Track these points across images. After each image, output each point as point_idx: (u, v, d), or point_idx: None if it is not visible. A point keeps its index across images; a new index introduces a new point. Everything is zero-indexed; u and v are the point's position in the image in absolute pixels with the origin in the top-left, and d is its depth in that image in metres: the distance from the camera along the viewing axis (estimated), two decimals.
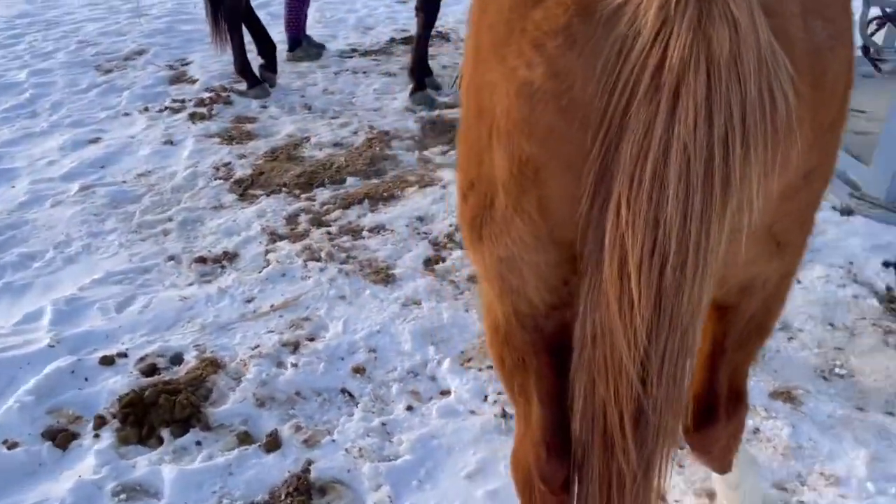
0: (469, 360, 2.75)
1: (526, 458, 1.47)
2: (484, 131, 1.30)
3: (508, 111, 1.22)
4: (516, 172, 1.26)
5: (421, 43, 5.19)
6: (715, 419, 1.55)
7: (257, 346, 2.81)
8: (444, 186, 3.97)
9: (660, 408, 1.27)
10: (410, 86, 5.23)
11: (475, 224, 1.41)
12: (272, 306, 3.06)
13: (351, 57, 6.37)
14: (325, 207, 3.84)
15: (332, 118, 5.04)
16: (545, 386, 1.43)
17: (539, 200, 1.27)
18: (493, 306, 1.48)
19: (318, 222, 3.69)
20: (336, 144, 4.62)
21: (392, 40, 6.84)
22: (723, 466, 1.75)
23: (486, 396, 2.56)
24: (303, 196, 3.98)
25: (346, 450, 2.35)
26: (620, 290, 1.17)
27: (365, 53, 6.47)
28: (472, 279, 3.20)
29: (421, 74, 5.22)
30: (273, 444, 2.38)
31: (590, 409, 1.31)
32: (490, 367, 2.69)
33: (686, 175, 1.07)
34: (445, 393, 2.60)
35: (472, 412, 2.50)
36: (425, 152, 4.46)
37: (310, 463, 2.31)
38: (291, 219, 3.74)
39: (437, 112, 5.02)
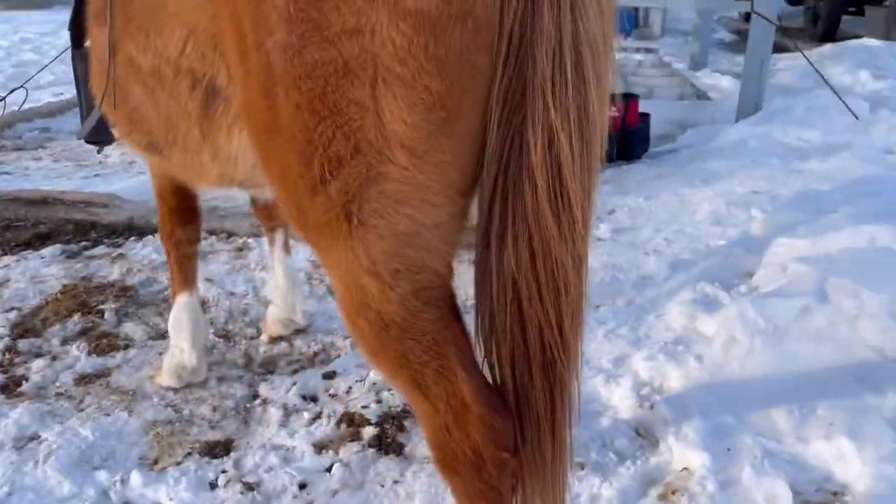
0: (156, 461, 2.19)
1: (469, 442, 1.32)
2: (359, 89, 1.11)
3: (407, 50, 1.07)
4: (421, 121, 1.12)
5: None
6: None
7: None
8: None
9: (587, 281, 1.31)
10: None
11: (349, 211, 1.20)
12: None
13: None
14: None
15: None
16: (467, 352, 1.32)
17: (452, 146, 1.16)
18: (374, 303, 1.28)
19: None
20: None
21: None
22: None
23: (211, 484, 2.10)
24: None
25: None
26: (553, 196, 1.17)
27: None
28: (83, 380, 2.52)
29: None
30: None
31: (521, 347, 1.28)
32: (190, 454, 2.21)
33: (592, 51, 1.14)
34: None
35: None
36: None
37: None
38: None
39: None
